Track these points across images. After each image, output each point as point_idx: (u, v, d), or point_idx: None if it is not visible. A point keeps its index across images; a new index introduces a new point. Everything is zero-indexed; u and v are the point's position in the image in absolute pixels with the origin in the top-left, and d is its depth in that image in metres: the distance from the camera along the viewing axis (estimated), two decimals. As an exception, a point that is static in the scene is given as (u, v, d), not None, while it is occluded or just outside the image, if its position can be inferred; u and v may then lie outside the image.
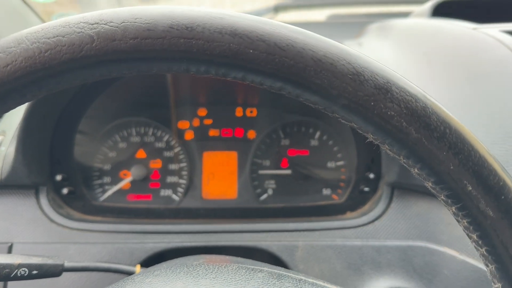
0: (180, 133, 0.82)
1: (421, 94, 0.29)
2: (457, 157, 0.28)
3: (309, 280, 0.40)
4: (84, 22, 0.27)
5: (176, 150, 0.82)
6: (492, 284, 0.32)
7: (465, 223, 0.30)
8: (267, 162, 0.82)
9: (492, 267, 0.30)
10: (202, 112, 0.83)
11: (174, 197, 0.81)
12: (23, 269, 0.51)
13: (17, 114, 0.79)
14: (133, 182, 0.81)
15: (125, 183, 0.80)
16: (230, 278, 0.38)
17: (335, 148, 0.82)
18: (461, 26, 0.83)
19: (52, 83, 0.28)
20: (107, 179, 0.81)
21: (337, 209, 0.78)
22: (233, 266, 0.41)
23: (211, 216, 0.79)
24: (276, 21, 0.29)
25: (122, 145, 0.82)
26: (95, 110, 0.79)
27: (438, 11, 1.03)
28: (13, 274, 0.51)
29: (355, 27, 1.39)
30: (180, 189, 0.81)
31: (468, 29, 0.80)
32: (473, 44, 0.75)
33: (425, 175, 0.29)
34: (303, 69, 0.27)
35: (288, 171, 0.81)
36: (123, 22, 0.26)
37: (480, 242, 0.30)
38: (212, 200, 0.81)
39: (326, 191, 0.81)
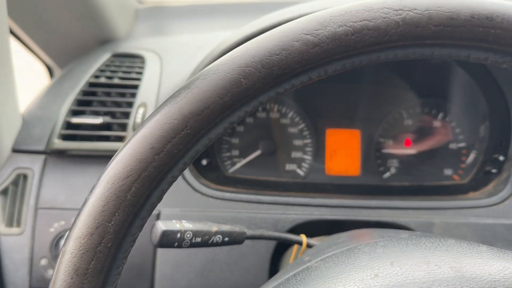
0: (304, 110, 0.85)
1: None
2: None
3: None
4: (388, 8, 0.29)
5: (301, 126, 0.85)
6: None
7: None
8: (390, 142, 0.85)
9: None
10: (327, 90, 0.85)
11: (299, 171, 0.85)
12: (219, 236, 0.55)
13: (155, 87, 0.83)
14: (260, 156, 0.84)
15: (254, 156, 0.84)
16: (456, 251, 0.41)
17: (457, 130, 0.84)
18: None
19: (349, 64, 0.30)
20: (235, 152, 0.85)
21: (460, 189, 0.81)
22: (448, 239, 0.44)
23: (336, 191, 0.83)
24: None
25: (249, 120, 0.85)
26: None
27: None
28: (210, 240, 0.55)
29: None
30: (304, 164, 0.85)
31: None
32: None
33: None
34: None
35: (412, 151, 0.84)
36: (427, 10, 0.29)
37: None
38: (335, 176, 0.85)
39: (447, 171, 0.84)
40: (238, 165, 0.84)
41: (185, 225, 0.53)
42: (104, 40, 1.07)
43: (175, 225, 0.52)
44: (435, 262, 0.38)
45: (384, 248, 0.43)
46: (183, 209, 0.74)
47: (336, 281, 0.37)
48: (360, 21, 0.29)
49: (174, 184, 0.76)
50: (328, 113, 0.85)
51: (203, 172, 0.81)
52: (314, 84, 0.84)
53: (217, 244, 0.56)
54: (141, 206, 0.29)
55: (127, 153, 0.29)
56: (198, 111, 0.29)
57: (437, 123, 0.84)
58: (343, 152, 0.85)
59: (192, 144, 0.30)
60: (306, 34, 0.30)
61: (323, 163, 0.85)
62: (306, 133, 0.85)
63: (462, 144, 0.84)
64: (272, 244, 0.71)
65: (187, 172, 0.77)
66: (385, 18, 0.29)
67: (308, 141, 0.85)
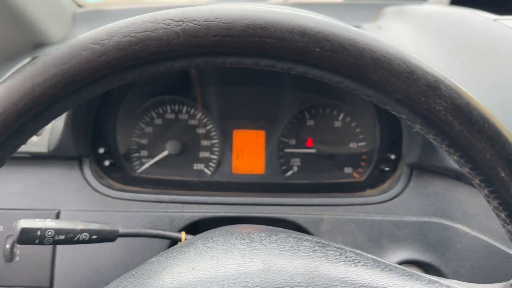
0: (212, 111, 0.88)
1: (464, 92, 0.34)
2: (493, 147, 0.33)
3: (349, 249, 0.46)
4: (170, 19, 0.31)
5: (208, 127, 0.88)
6: None
7: (495, 204, 0.35)
8: (293, 141, 0.88)
9: None
10: (234, 92, 0.88)
11: (206, 171, 0.87)
12: (85, 234, 0.58)
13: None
14: (168, 156, 0.86)
15: (161, 157, 0.86)
16: (282, 245, 0.43)
17: (358, 130, 0.87)
18: (482, 16, 0.87)
19: (137, 72, 0.32)
20: (144, 153, 0.87)
21: (358, 187, 0.84)
22: (282, 235, 0.47)
23: (240, 189, 0.85)
24: (339, 21, 0.34)
25: (158, 121, 0.87)
26: (135, 89, 0.84)
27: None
28: (76, 238, 0.57)
29: (371, 9, 1.42)
30: (211, 164, 0.87)
31: (488, 20, 0.84)
32: (493, 36, 0.79)
33: (463, 162, 0.35)
34: (363, 66, 0.32)
35: (313, 150, 0.87)
36: (205, 21, 0.31)
37: (507, 220, 0.36)
38: (241, 175, 0.87)
39: (347, 170, 0.87)
40: (146, 165, 0.86)
41: (48, 224, 0.55)
42: (38, 44, 1.08)
43: (37, 223, 0.54)
44: (250, 255, 0.41)
45: (215, 242, 0.45)
46: (82, 209, 0.76)
47: (157, 274, 0.40)
48: (144, 31, 0.31)
49: (75, 183, 0.77)
50: (235, 115, 0.88)
51: (108, 173, 0.83)
52: (222, 87, 0.87)
53: (84, 242, 0.58)
54: None
55: None
56: None
57: (338, 123, 0.87)
58: (249, 152, 0.88)
59: None
60: (94, 44, 0.32)
61: (229, 162, 0.88)
62: (213, 133, 0.88)
63: (362, 144, 0.87)
64: (169, 241, 0.73)
65: (88, 173, 0.79)
66: (166, 29, 0.31)
67: (215, 141, 0.88)
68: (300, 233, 0.51)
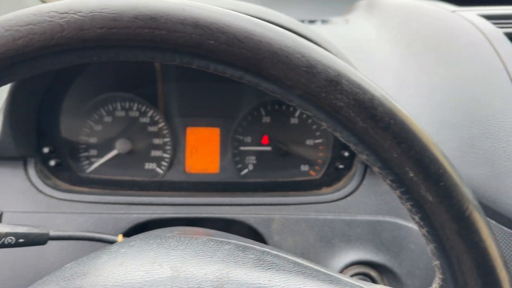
0: (164, 109, 0.85)
1: (370, 86, 0.31)
2: (400, 146, 0.31)
3: (273, 252, 0.44)
4: (54, 11, 0.29)
5: (160, 125, 0.85)
6: (433, 261, 0.35)
7: (408, 206, 0.33)
8: (248, 139, 0.85)
9: (432, 246, 0.34)
10: (187, 88, 0.85)
11: (158, 170, 0.84)
12: (10, 237, 0.55)
13: (3, 89, 0.81)
14: (118, 156, 0.84)
15: (110, 156, 0.83)
16: (199, 250, 0.41)
17: (314, 127, 0.85)
18: (441, 8, 0.85)
19: (25, 68, 0.30)
20: (93, 152, 0.84)
21: (314, 185, 0.82)
22: (204, 238, 0.44)
23: (193, 189, 0.83)
24: (237, 12, 0.31)
25: (107, 119, 0.84)
26: (80, 84, 0.81)
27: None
28: (0, 242, 0.54)
29: (345, 1, 1.40)
30: (164, 163, 0.84)
31: (447, 11, 0.82)
32: (450, 28, 0.77)
33: (372, 161, 0.32)
34: (260, 60, 0.30)
35: (268, 148, 0.85)
36: (91, 12, 0.28)
37: (421, 223, 0.33)
38: (195, 174, 0.85)
39: (304, 167, 0.85)
40: (95, 165, 0.83)
41: (-33, 228, 0.52)
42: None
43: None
44: (160, 262, 0.39)
45: (129, 248, 0.43)
46: (26, 211, 0.73)
47: (64, 281, 0.38)
48: (26, 25, 0.28)
49: (19, 184, 0.74)
50: (189, 112, 0.85)
51: (56, 173, 0.80)
52: (175, 83, 0.84)
53: (9, 246, 0.55)
54: None
55: None
56: None
57: (294, 120, 0.85)
58: (203, 150, 0.85)
59: None
60: None
61: (183, 161, 0.85)
62: (165, 131, 0.85)
63: (318, 141, 0.84)
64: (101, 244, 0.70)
65: (33, 173, 0.76)
66: (50, 21, 0.28)
67: (167, 139, 0.85)
68: (233, 235, 0.49)
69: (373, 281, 0.71)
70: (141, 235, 0.48)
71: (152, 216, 0.73)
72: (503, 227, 0.63)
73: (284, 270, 0.40)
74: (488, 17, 0.75)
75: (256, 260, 0.41)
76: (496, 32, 0.71)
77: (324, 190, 0.80)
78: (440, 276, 0.36)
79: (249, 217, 0.73)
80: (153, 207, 0.75)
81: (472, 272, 0.33)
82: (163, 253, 0.40)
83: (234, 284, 0.36)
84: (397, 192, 0.33)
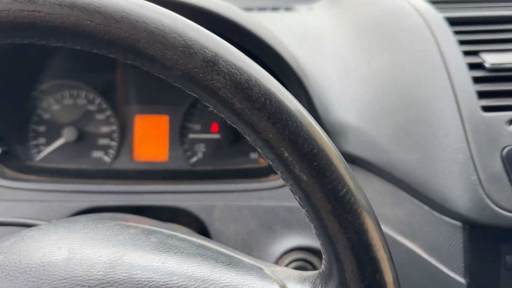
0: (111, 97, 0.84)
1: (248, 66, 0.31)
2: (275, 126, 0.31)
3: (179, 235, 0.44)
4: None
5: (108, 113, 0.84)
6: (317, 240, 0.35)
7: (289, 186, 0.33)
8: (198, 126, 0.85)
9: (312, 226, 0.34)
10: (135, 75, 0.85)
11: (106, 158, 0.84)
12: None
13: None
14: (66, 144, 0.83)
15: (57, 145, 0.83)
16: (101, 233, 0.41)
17: (263, 114, 0.84)
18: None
19: None
20: (42, 140, 0.84)
21: (262, 172, 0.81)
22: (112, 223, 0.44)
23: (141, 178, 0.83)
24: None
25: (56, 107, 0.84)
26: (27, 70, 0.81)
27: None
28: None
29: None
30: (111, 151, 0.84)
31: (396, -3, 0.81)
32: (394, 14, 0.76)
33: (253, 141, 0.32)
34: (138, 40, 0.29)
35: (217, 136, 0.84)
36: None
37: (301, 203, 0.33)
38: (143, 162, 0.84)
39: (253, 155, 0.84)
40: (43, 154, 0.83)
41: None
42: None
43: None
44: (60, 245, 0.39)
45: (38, 231, 0.43)
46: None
47: None
48: None
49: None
50: (137, 99, 0.85)
51: (3, 161, 0.80)
52: (122, 70, 0.84)
53: None
54: None
55: None
56: None
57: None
58: (152, 138, 0.85)
59: None
60: None
61: (131, 149, 0.85)
62: (113, 119, 0.84)
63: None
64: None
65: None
66: None
67: (115, 127, 0.84)
68: (157, 222, 0.49)
69: (314, 267, 0.72)
70: (62, 220, 0.49)
71: (92, 204, 0.73)
72: (434, 212, 0.63)
73: (183, 252, 0.40)
74: (433, 2, 0.75)
75: (158, 243, 0.41)
76: (437, 17, 0.70)
77: (272, 177, 0.80)
78: (324, 256, 0.36)
79: (192, 205, 0.73)
80: (97, 195, 0.75)
81: (347, 252, 0.32)
82: (64, 236, 0.40)
83: (126, 266, 0.36)
84: (278, 172, 0.33)
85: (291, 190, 0.33)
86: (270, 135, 0.31)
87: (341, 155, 0.32)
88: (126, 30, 0.29)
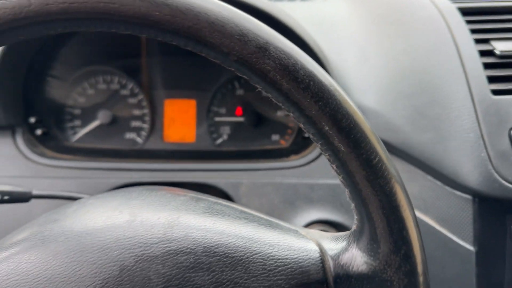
0: (143, 81, 0.90)
1: (295, 52, 0.36)
2: (317, 104, 0.36)
3: (223, 202, 0.50)
4: None
5: (140, 97, 0.90)
6: (351, 203, 0.41)
7: (327, 156, 0.39)
8: (223, 110, 0.91)
9: (347, 191, 0.40)
10: (165, 62, 0.90)
11: (138, 139, 0.90)
12: (-5, 194, 0.61)
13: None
14: (100, 126, 0.89)
15: (93, 127, 0.89)
16: (156, 200, 0.47)
17: (284, 98, 0.90)
18: (406, -15, 0.88)
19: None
20: (77, 122, 0.90)
21: (283, 153, 0.87)
22: (163, 191, 0.50)
23: (171, 157, 0.89)
24: None
25: (90, 91, 0.90)
26: (64, 57, 0.87)
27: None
28: (-13, 198, 0.61)
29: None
30: (143, 133, 0.90)
31: (411, -12, 0.86)
32: (409, 2, 0.81)
33: (297, 118, 0.38)
34: (200, 30, 0.35)
35: (242, 119, 0.90)
36: None
37: (338, 171, 0.39)
38: (172, 143, 0.90)
39: (275, 137, 0.90)
40: (78, 135, 0.89)
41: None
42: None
43: None
44: (120, 209, 0.45)
45: (96, 199, 0.48)
46: (13, 175, 0.79)
47: (26, 227, 0.44)
48: None
49: (7, 151, 0.80)
50: (166, 85, 0.91)
51: (43, 142, 0.86)
52: (153, 57, 0.89)
53: (-5, 202, 0.62)
54: None
55: None
56: None
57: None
58: (180, 120, 0.91)
59: None
60: None
61: (161, 131, 0.91)
62: (144, 103, 0.90)
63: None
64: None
65: (20, 142, 0.82)
66: None
67: (146, 111, 0.90)
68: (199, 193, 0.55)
69: (333, 239, 0.78)
70: (110, 191, 0.54)
71: (129, 180, 0.79)
72: (446, 187, 0.68)
73: (229, 216, 0.45)
74: (446, -7, 0.79)
75: (206, 208, 0.46)
76: (450, 7, 0.75)
77: (293, 157, 0.86)
78: (356, 217, 0.41)
79: (220, 181, 0.79)
80: (131, 172, 0.81)
81: (378, 212, 0.38)
82: (124, 202, 0.45)
83: (182, 227, 0.42)
84: (318, 144, 0.38)
85: (328, 159, 0.39)
86: (313, 112, 0.36)
87: (373, 129, 0.38)
88: (190, 21, 0.35)
